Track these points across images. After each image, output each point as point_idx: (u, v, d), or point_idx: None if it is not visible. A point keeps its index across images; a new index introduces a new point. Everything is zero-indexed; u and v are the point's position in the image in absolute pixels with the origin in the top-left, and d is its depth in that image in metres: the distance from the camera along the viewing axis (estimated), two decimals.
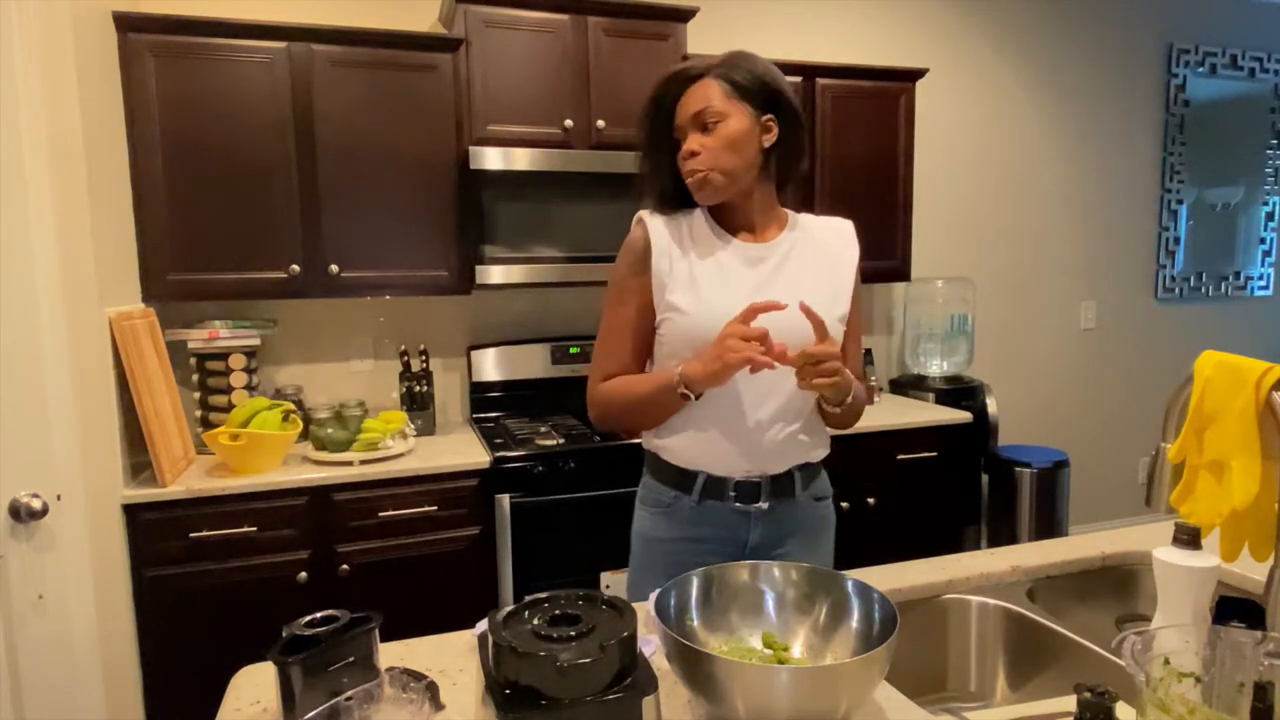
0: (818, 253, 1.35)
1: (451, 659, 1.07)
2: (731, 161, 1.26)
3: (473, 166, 2.43)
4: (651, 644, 1.02)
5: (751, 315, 1.15)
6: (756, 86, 1.27)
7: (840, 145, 2.94)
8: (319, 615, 0.91)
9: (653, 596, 0.95)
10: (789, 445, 1.31)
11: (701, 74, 1.27)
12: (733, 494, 1.30)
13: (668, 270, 1.30)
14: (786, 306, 1.15)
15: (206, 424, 2.42)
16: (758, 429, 1.28)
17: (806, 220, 1.39)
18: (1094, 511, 3.99)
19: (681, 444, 1.31)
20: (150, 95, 2.22)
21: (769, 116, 1.28)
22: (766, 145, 1.29)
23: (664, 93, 1.30)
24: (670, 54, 2.62)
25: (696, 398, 1.23)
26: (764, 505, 1.31)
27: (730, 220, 1.34)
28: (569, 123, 2.56)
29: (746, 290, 1.28)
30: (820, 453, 1.38)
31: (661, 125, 1.31)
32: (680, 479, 1.33)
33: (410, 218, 2.48)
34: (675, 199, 1.35)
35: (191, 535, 2.10)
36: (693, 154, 1.26)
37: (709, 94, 1.26)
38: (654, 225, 1.33)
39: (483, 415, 2.84)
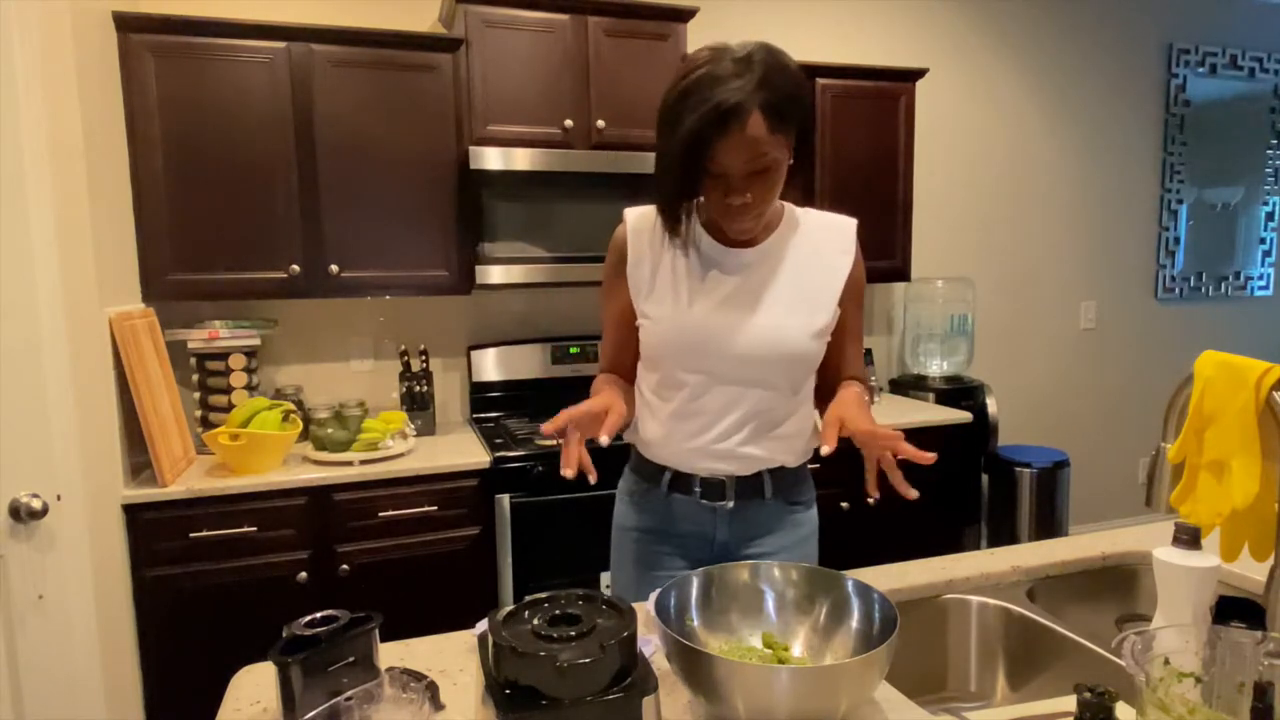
0: (806, 259, 1.27)
1: (451, 659, 1.07)
2: (774, 198, 1.17)
3: (473, 166, 2.43)
4: (651, 644, 1.02)
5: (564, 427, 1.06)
6: (794, 111, 1.12)
7: (840, 145, 2.94)
8: (319, 615, 0.91)
9: (653, 596, 0.95)
10: (752, 453, 1.27)
11: (749, 111, 1.07)
12: (698, 490, 1.30)
13: (643, 276, 1.27)
14: None
15: (206, 424, 2.41)
16: (718, 437, 1.26)
17: (806, 217, 1.30)
18: (1094, 511, 3.99)
19: (651, 441, 1.33)
20: (150, 95, 2.21)
21: (794, 135, 1.15)
22: (789, 164, 1.18)
23: (711, 134, 1.08)
24: (670, 54, 2.62)
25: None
26: (729, 504, 1.30)
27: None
28: (569, 123, 2.56)
29: (720, 297, 1.23)
30: (793, 461, 1.32)
31: (699, 161, 1.11)
32: (651, 471, 1.34)
33: (410, 218, 2.48)
34: (686, 219, 1.22)
35: (191, 535, 2.10)
36: (745, 205, 1.13)
37: (759, 136, 1.08)
38: (634, 228, 1.29)
39: (483, 415, 2.84)
